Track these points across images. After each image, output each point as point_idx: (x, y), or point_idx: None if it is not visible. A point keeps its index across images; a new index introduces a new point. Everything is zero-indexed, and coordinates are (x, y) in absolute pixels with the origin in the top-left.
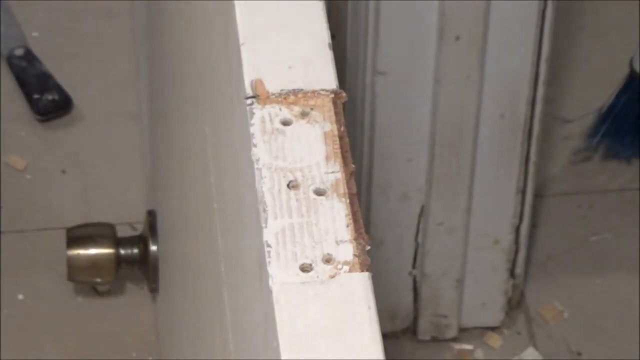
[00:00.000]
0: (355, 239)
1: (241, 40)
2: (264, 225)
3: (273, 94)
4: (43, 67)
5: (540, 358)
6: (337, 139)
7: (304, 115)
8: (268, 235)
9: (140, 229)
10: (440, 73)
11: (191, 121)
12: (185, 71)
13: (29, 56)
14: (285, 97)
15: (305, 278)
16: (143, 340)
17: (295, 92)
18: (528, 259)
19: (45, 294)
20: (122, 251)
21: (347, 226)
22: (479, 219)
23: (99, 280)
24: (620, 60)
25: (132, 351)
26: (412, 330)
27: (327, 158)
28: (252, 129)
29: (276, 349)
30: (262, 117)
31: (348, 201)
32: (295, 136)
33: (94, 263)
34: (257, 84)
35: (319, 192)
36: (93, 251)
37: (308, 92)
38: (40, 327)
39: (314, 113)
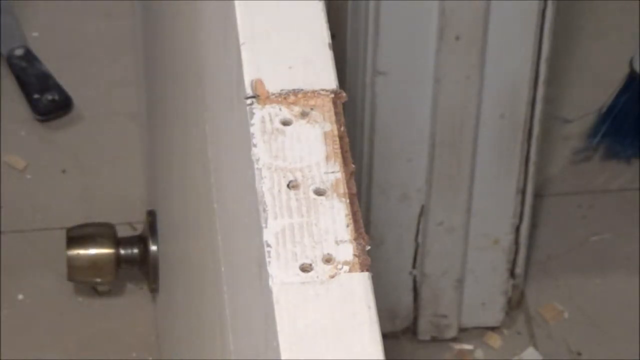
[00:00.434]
0: (355, 239)
1: (241, 40)
2: (264, 225)
3: (273, 94)
4: (43, 67)
5: (540, 358)
6: (337, 139)
7: (304, 115)
8: (268, 235)
9: (140, 229)
10: (440, 73)
11: (191, 121)
12: (185, 71)
13: (29, 56)
14: (285, 97)
15: (305, 278)
16: (143, 340)
17: (295, 92)
18: (528, 259)
19: (45, 294)
20: (122, 251)
21: (347, 226)
22: (479, 219)
23: (99, 280)
24: (620, 60)
25: (132, 351)
26: (412, 330)
27: (327, 158)
28: (252, 129)
29: (276, 349)
30: (262, 117)
31: (348, 201)
32: (295, 136)
33: (94, 263)
34: (257, 84)
35: (319, 192)
36: (93, 251)
37: (308, 92)
38: (40, 327)
39: (314, 113)
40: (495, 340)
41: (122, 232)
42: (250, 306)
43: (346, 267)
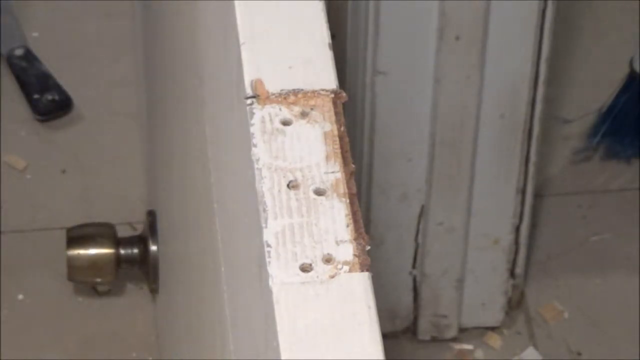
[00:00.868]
0: (355, 239)
1: (241, 40)
2: (264, 225)
3: (273, 94)
4: (43, 67)
5: (540, 358)
6: (337, 139)
7: (304, 115)
8: (268, 235)
9: (140, 229)
10: (440, 73)
11: (191, 121)
12: (185, 71)
13: (29, 56)
14: (285, 97)
15: (305, 278)
16: (143, 340)
17: (295, 92)
18: (528, 259)
19: (45, 294)
20: (122, 251)
21: (347, 226)
22: (479, 219)
23: (99, 280)
24: (620, 60)
25: (132, 351)
26: (412, 330)
27: (327, 158)
28: (252, 129)
29: (276, 349)
30: (262, 117)
31: (348, 201)
32: (295, 136)
33: (94, 263)
34: (257, 84)
35: (319, 192)
36: (93, 251)
37: (308, 92)
38: (40, 327)
39: (314, 113)
40: (495, 340)
41: (122, 232)
42: (250, 306)
43: (346, 267)
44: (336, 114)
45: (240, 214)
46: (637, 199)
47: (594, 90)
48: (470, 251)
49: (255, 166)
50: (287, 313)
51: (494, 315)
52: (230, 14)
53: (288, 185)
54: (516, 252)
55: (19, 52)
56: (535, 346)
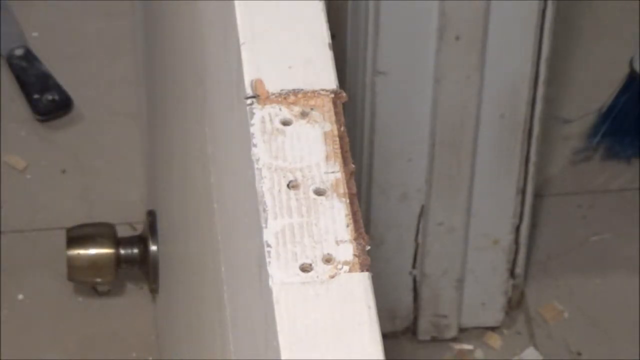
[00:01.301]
0: (355, 239)
1: (241, 40)
2: (264, 225)
3: (273, 94)
4: (43, 67)
5: (540, 358)
6: (337, 139)
7: (304, 115)
8: (268, 235)
9: (140, 229)
10: (440, 73)
11: (191, 121)
12: (185, 71)
13: (29, 56)
14: (285, 97)
15: (305, 278)
16: (143, 340)
17: (295, 92)
18: (528, 259)
19: (45, 294)
20: (122, 251)
21: (347, 226)
22: (479, 219)
23: (99, 280)
24: (620, 60)
25: (132, 351)
26: (412, 330)
27: (327, 158)
28: (252, 129)
29: (276, 349)
30: (262, 117)
31: (348, 201)
32: (295, 136)
33: (94, 263)
34: (257, 84)
35: (319, 192)
36: (93, 251)
37: (308, 92)
38: (40, 327)
39: (314, 113)
40: (495, 340)
41: (122, 232)
42: (250, 306)
43: (346, 267)
44: (336, 114)
45: (240, 214)
46: (637, 199)
47: (594, 90)
48: (470, 251)
49: (255, 166)
50: (287, 313)
51: (494, 315)
52: (230, 14)
53: (288, 185)
54: (516, 252)
55: (19, 52)
56: (535, 346)
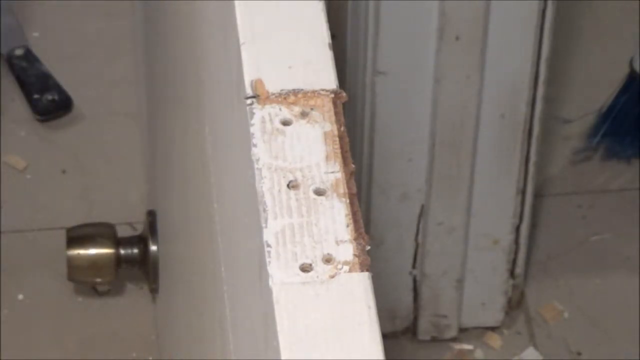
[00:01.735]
0: (355, 239)
1: (241, 40)
2: (264, 225)
3: (273, 94)
4: (43, 67)
5: (540, 358)
6: (337, 139)
7: (304, 115)
8: (268, 235)
9: (140, 229)
10: (440, 73)
11: (191, 121)
12: (185, 71)
13: (29, 56)
14: (285, 97)
15: (305, 278)
16: (143, 340)
17: (295, 92)
18: (528, 259)
19: (45, 294)
20: (122, 251)
21: (347, 226)
22: (479, 219)
23: (99, 280)
24: (620, 60)
25: (132, 351)
26: (412, 330)
27: (327, 158)
28: (252, 129)
29: (276, 349)
30: (262, 117)
31: (348, 201)
32: (295, 136)
33: (94, 263)
34: (257, 84)
35: (319, 192)
36: (93, 251)
37: (308, 92)
38: (40, 327)
39: (314, 113)
40: (495, 340)
41: (122, 232)
42: (250, 306)
43: (346, 267)
44: (336, 114)
45: (240, 214)
46: (637, 199)
47: (594, 90)
48: (470, 251)
49: (255, 166)
50: (287, 313)
51: (494, 315)
52: (230, 14)
53: (288, 185)
54: (516, 252)
55: (19, 52)
56: (535, 346)
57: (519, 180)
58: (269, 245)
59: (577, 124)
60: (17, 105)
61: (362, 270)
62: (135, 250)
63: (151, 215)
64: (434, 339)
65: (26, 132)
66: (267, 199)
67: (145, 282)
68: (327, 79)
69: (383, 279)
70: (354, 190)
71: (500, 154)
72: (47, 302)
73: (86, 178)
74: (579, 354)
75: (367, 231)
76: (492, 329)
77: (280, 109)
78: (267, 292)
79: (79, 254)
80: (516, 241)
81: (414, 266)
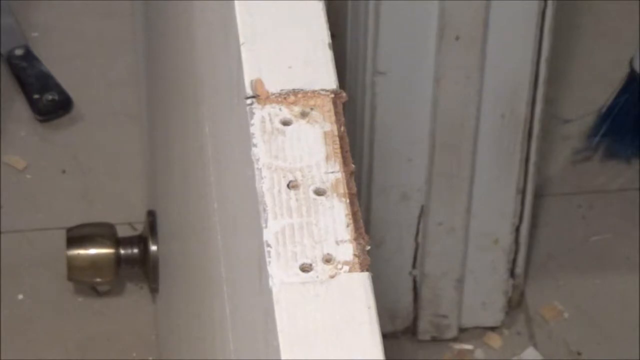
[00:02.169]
0: (355, 239)
1: (241, 40)
2: (264, 225)
3: (273, 94)
4: (43, 67)
5: (540, 358)
6: (337, 139)
7: (304, 115)
8: (268, 235)
9: (140, 229)
10: (440, 73)
11: (191, 121)
12: (185, 71)
13: (29, 56)
14: (285, 97)
15: (305, 278)
16: (143, 340)
17: (295, 92)
18: (528, 259)
19: (45, 294)
20: (122, 251)
21: (347, 226)
22: (479, 219)
23: (99, 280)
24: (620, 60)
25: (132, 351)
26: (412, 330)
27: (327, 158)
28: (252, 129)
29: (276, 349)
30: (262, 117)
31: (348, 201)
32: (295, 136)
33: (94, 263)
34: (257, 84)
35: (319, 192)
36: (93, 251)
37: (308, 92)
38: (40, 327)
39: (314, 113)
40: (495, 340)
41: (122, 232)
42: (250, 306)
43: (346, 267)
44: (336, 114)
45: (240, 214)
46: (637, 199)
47: (594, 90)
48: (470, 251)
49: (255, 166)
50: (287, 313)
51: (494, 315)
52: (230, 14)
53: (288, 185)
54: (516, 252)
55: (19, 52)
56: (535, 346)
57: (519, 180)
58: (269, 245)
59: (577, 124)
60: (17, 105)
61: (362, 271)
62: (135, 250)
63: (151, 215)
64: (434, 339)
65: (26, 132)
66: (267, 199)
67: (145, 282)
68: (327, 79)
69: (383, 279)
70: (354, 190)
71: (500, 154)
72: (47, 302)
73: (86, 178)
74: (579, 354)
75: (367, 231)
76: (492, 329)
77: (280, 109)
78: (267, 292)
79: (78, 254)
80: (516, 241)
81: (414, 266)
